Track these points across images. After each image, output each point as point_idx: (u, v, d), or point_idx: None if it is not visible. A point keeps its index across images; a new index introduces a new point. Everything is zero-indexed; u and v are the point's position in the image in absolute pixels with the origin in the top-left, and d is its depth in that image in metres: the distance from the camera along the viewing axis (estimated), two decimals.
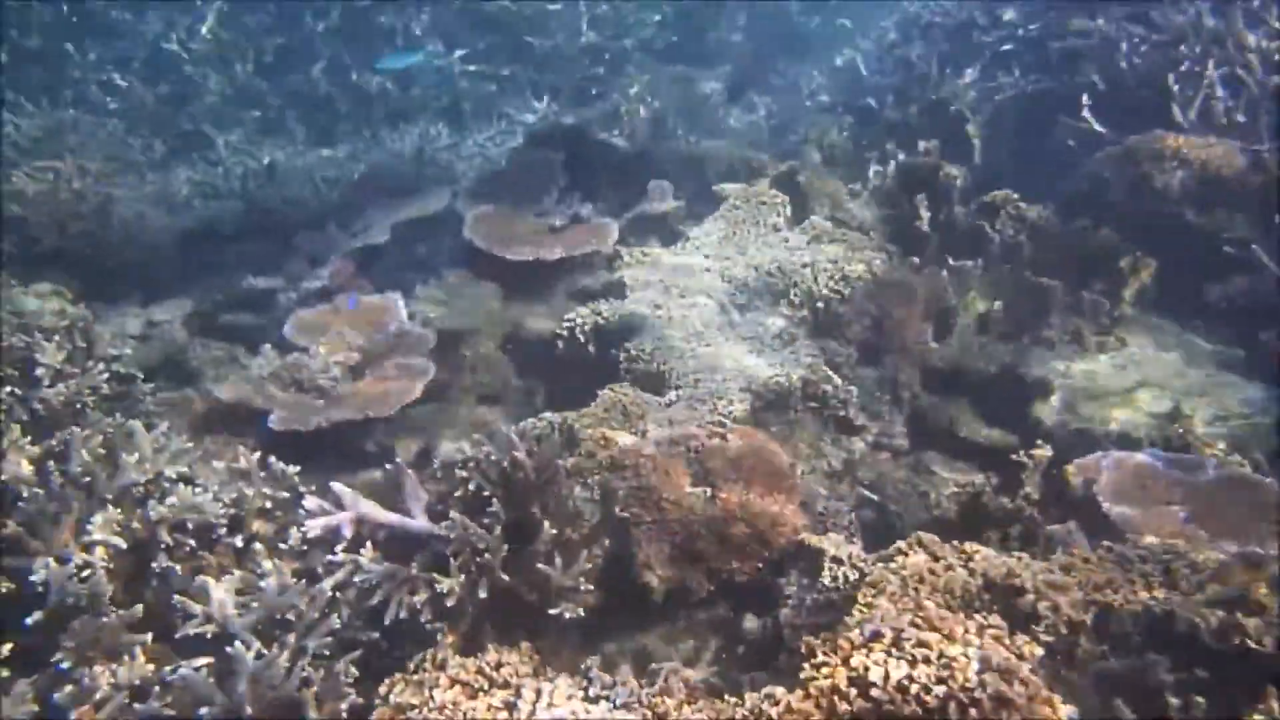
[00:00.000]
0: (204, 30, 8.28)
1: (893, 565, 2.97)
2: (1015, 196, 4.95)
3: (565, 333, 4.60)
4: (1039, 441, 3.48)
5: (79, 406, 3.64)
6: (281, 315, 4.98)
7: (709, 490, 3.58)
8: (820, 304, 4.69)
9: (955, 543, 3.02)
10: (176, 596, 2.92)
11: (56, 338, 3.80)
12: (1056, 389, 4.19)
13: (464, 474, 3.47)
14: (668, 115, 8.24)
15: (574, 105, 8.79)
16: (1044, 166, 5.98)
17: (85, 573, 2.91)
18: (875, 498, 4.05)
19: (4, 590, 2.85)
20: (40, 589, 2.80)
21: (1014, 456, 3.41)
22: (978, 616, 2.57)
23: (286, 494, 3.58)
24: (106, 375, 3.79)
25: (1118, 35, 5.77)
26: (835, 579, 3.12)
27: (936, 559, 2.95)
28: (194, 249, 5.90)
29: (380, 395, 4.10)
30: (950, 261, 4.80)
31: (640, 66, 9.08)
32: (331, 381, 4.28)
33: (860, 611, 2.77)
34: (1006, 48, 6.86)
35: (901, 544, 3.09)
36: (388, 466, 3.53)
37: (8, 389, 3.50)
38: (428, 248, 5.84)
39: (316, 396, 4.25)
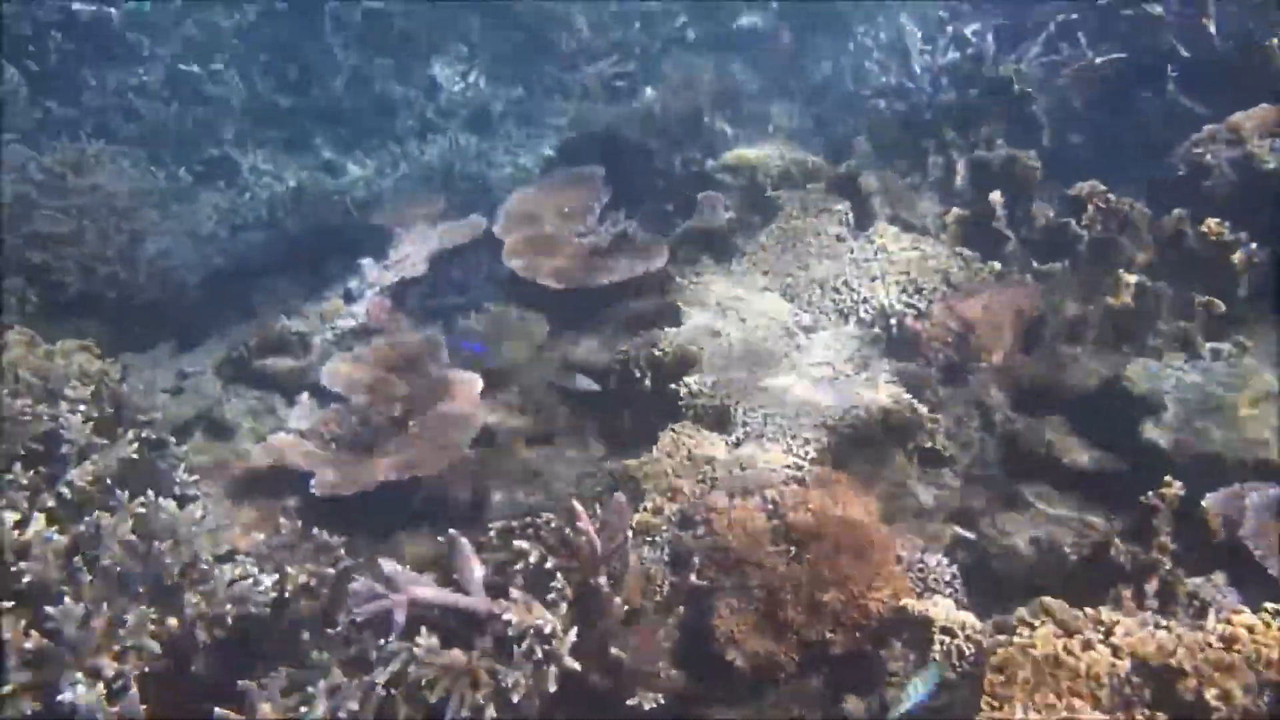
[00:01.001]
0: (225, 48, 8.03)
1: (1018, 640, 2.60)
2: (1103, 188, 4.51)
3: (618, 366, 4.26)
4: (1167, 479, 3.08)
5: (108, 482, 3.39)
6: (318, 359, 4.71)
7: (792, 548, 3.23)
8: (894, 320, 4.31)
9: (1088, 611, 2.64)
10: (217, 711, 2.65)
11: (83, 407, 3.55)
12: (1169, 404, 3.77)
13: (523, 545, 3.16)
14: (704, 110, 7.84)
15: (605, 104, 8.42)
16: (1125, 149, 5.50)
17: (118, 686, 2.64)
18: (972, 537, 3.67)
19: (30, 713, 2.59)
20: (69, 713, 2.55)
21: (1142, 499, 3.01)
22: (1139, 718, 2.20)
23: (332, 570, 3.30)
24: (136, 445, 3.54)
25: None
26: (948, 654, 2.76)
27: (1070, 632, 2.58)
28: (223, 286, 5.65)
29: (426, 450, 3.79)
30: (1035, 264, 4.37)
31: (672, 60, 8.67)
32: (373, 436, 3.99)
33: (990, 706, 2.41)
34: (1072, 16, 6.33)
35: (1024, 612, 2.73)
36: (440, 539, 3.23)
37: (31, 472, 3.25)
38: (465, 273, 5.54)
39: (359, 453, 3.96)
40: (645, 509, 3.53)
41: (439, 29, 8.51)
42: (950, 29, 7.13)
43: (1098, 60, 6.08)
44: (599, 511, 3.30)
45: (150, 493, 3.28)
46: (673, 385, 4.13)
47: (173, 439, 3.80)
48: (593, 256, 4.68)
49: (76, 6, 7.34)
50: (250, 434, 4.45)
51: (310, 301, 5.40)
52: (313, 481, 3.68)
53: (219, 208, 6.64)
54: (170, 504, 3.14)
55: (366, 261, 5.10)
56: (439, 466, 3.71)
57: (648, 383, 4.23)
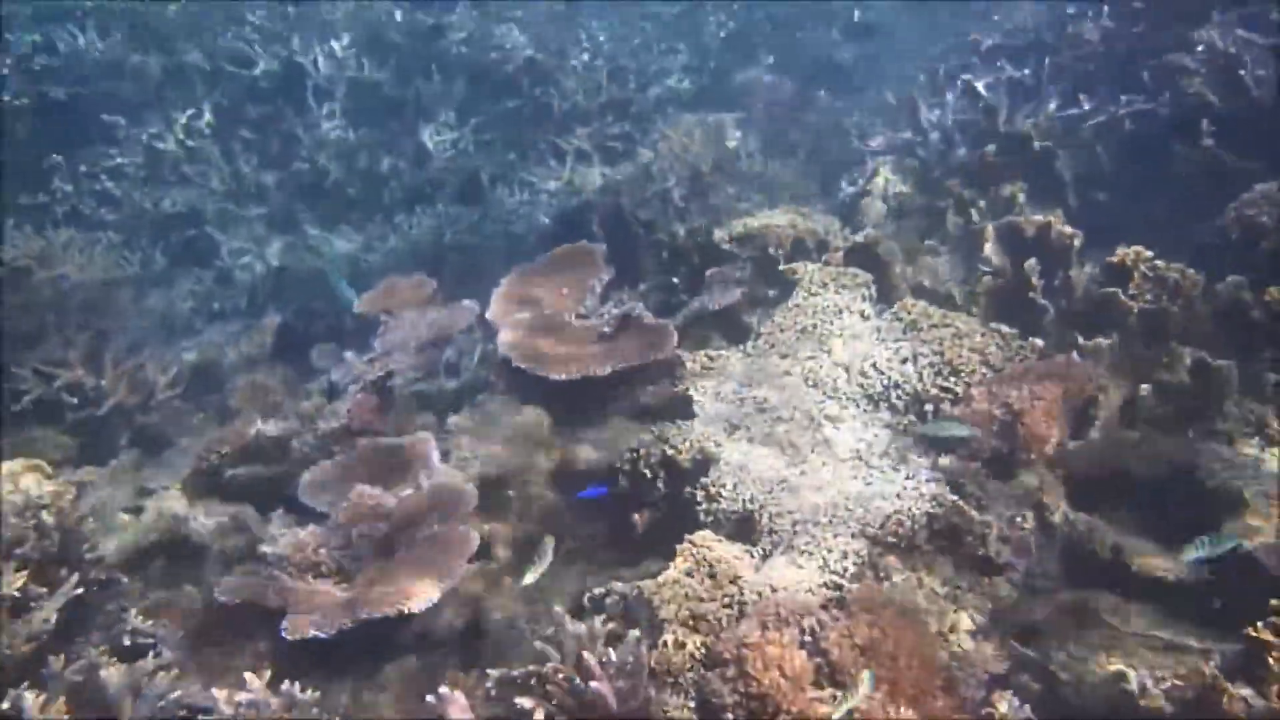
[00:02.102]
0: (203, 123, 7.73)
1: None
2: (1149, 254, 4.13)
3: (627, 466, 3.84)
4: (1275, 603, 2.64)
5: (44, 640, 2.95)
6: (296, 467, 4.29)
7: (838, 694, 2.79)
8: (929, 406, 3.90)
9: None
10: None
11: (20, 549, 3.13)
12: (1249, 499, 3.34)
13: (528, 703, 2.71)
14: (704, 171, 7.53)
15: (600, 166, 8.12)
16: (1157, 207, 5.14)
17: None
18: (1035, 656, 3.21)
19: None
20: None
21: (1251, 632, 2.57)
22: None
23: None
24: (81, 589, 3.11)
25: (1232, 45, 4.94)
26: None
27: None
28: (198, 384, 5.25)
29: (416, 580, 3.35)
30: (1080, 339, 3.98)
31: (668, 119, 8.41)
32: (356, 563, 3.56)
33: None
34: (1089, 67, 6.04)
35: None
36: (429, 699, 2.79)
37: None
38: (458, 354, 5.15)
39: (338, 584, 3.52)
40: (665, 644, 3.08)
41: (426, 96, 8.24)
42: (960, 83, 6.85)
43: (1121, 112, 5.77)
44: (613, 657, 2.86)
45: (92, 651, 2.85)
46: (689, 488, 3.72)
47: (123, 578, 3.37)
48: (596, 342, 4.29)
49: (48, 89, 7.05)
50: (220, 558, 4.01)
51: (289, 397, 5.00)
52: (284, 624, 3.23)
53: (195, 294, 6.25)
54: (110, 673, 2.70)
55: (350, 355, 4.71)
56: (430, 599, 3.26)
57: (661, 485, 3.81)
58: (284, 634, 3.23)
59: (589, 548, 3.92)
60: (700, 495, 3.65)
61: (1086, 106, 5.95)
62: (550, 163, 8.23)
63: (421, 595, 3.25)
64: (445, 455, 4.16)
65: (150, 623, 3.34)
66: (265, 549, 3.82)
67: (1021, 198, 5.64)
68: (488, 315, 4.56)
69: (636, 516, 3.85)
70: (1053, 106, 6.11)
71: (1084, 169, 5.78)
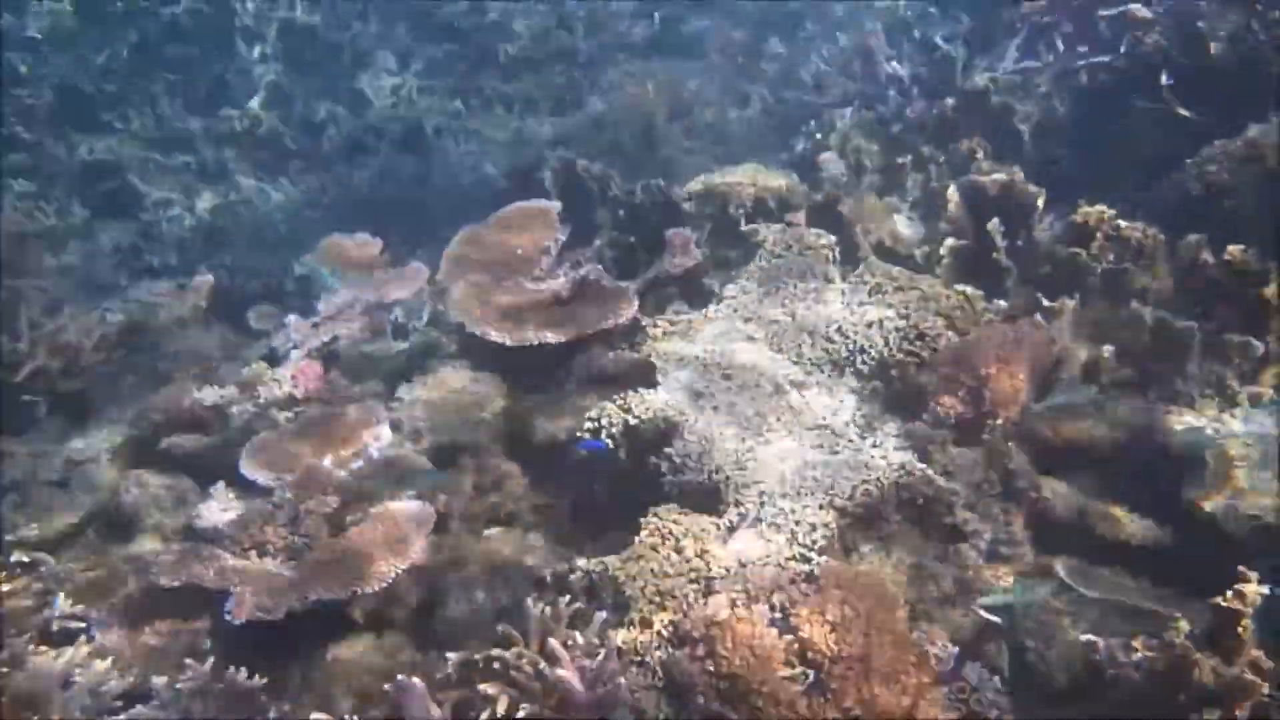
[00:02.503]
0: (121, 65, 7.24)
1: None
2: (1111, 212, 4.09)
3: (588, 436, 3.71)
4: (1243, 572, 2.64)
5: None
6: (238, 434, 4.07)
7: (810, 673, 2.74)
8: (895, 371, 3.84)
9: None
10: None
11: None
12: (1211, 461, 3.35)
13: (490, 689, 2.60)
14: (657, 122, 7.32)
15: (551, 116, 7.84)
16: (1115, 162, 5.11)
17: None
18: (999, 622, 3.20)
19: None
20: None
21: (1220, 602, 2.57)
22: None
23: None
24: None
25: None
26: None
27: None
28: (126, 346, 4.95)
29: (369, 557, 3.19)
30: (1043, 301, 3.94)
31: (619, 66, 8.14)
32: (305, 539, 3.38)
33: None
34: (1044, 19, 5.95)
35: None
36: (387, 688, 2.66)
37: None
38: (408, 315, 4.93)
39: (286, 562, 3.35)
40: (632, 622, 2.99)
41: (364, 40, 7.84)
42: (917, 33, 6.73)
43: (1079, 65, 5.71)
44: (579, 640, 2.76)
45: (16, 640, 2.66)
46: (653, 458, 3.61)
47: (49, 558, 3.15)
48: (553, 306, 4.12)
49: None
50: (155, 531, 3.80)
51: (228, 363, 4.74)
52: (228, 606, 3.06)
53: (120, 248, 5.88)
54: (37, 662, 2.51)
55: (293, 318, 4.46)
56: (385, 579, 3.11)
57: (623, 454, 3.70)
58: (227, 615, 3.06)
59: (550, 519, 3.81)
60: (665, 466, 3.54)
61: (1045, 59, 5.89)
62: (497, 110, 7.93)
63: (376, 575, 3.10)
64: (396, 425, 3.99)
65: (80, 606, 3.13)
66: (202, 524, 3.64)
67: (981, 154, 5.57)
68: (438, 277, 4.34)
69: (597, 487, 3.74)
70: (1009, 59, 6.03)
71: (1042, 122, 5.72)
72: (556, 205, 4.53)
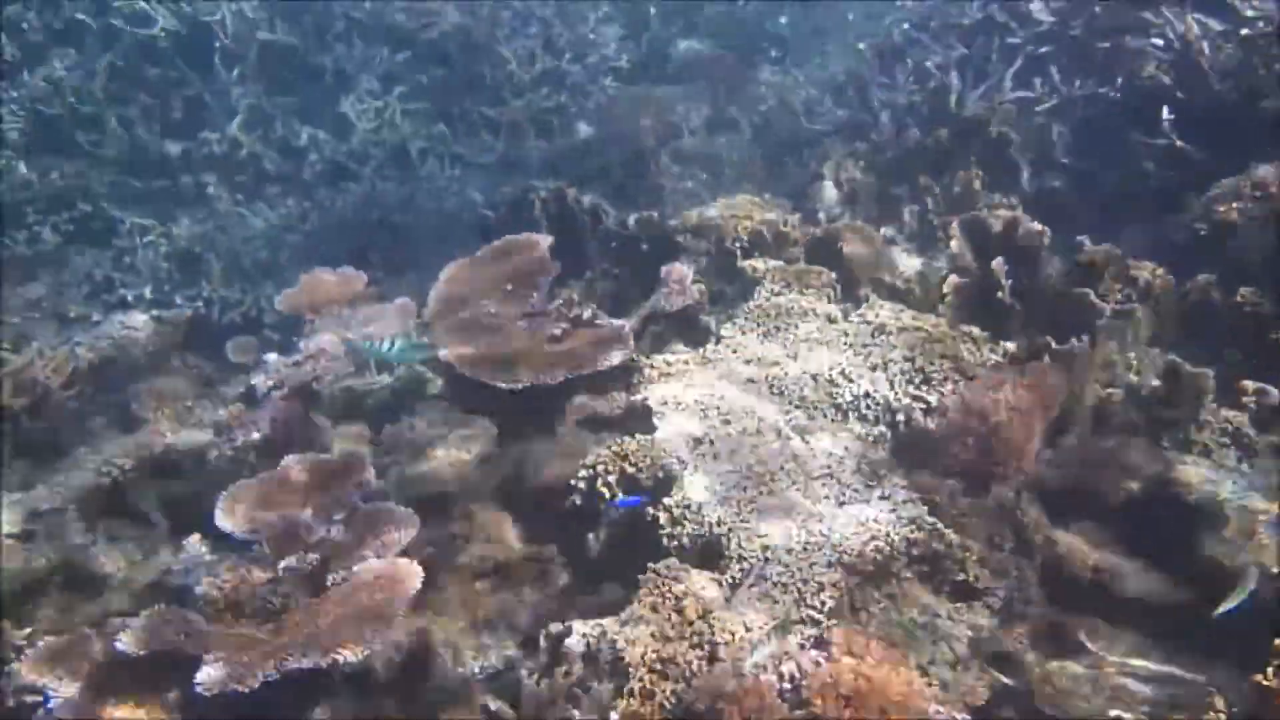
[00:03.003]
0: (96, 87, 7.03)
1: None
2: (1118, 252, 3.99)
3: (583, 484, 3.55)
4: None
5: None
6: (212, 484, 3.87)
7: None
8: (900, 417, 3.71)
9: None
10: None
11: None
12: (1230, 514, 3.24)
13: None
14: (648, 149, 7.20)
15: (536, 140, 7.70)
16: (1114, 197, 5.04)
17: None
18: (1013, 684, 3.07)
19: None
20: None
21: (1259, 680, 2.44)
22: None
23: None
24: None
25: (1192, 31, 4.83)
26: None
27: None
28: (96, 384, 4.74)
29: (351, 621, 3.01)
30: (1053, 344, 3.83)
31: (607, 92, 8.02)
32: (284, 599, 3.19)
33: None
34: (1043, 49, 5.89)
35: None
36: None
37: None
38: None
39: (262, 624, 3.16)
40: (633, 692, 2.82)
41: (346, 62, 7.67)
42: (910, 61, 6.65)
43: (1075, 96, 5.65)
44: (578, 715, 2.60)
45: None
46: (649, 510, 3.45)
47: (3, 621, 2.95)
48: (545, 346, 3.96)
49: None
50: (124, 586, 3.61)
51: (203, 401, 4.55)
52: (198, 678, 2.86)
53: (92, 280, 5.67)
54: None
55: (272, 356, 4.28)
56: (370, 646, 2.93)
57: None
58: (197, 687, 2.86)
59: (543, 573, 3.63)
60: (663, 518, 3.38)
61: (1040, 90, 5.82)
62: (483, 135, 7.78)
63: (355, 644, 2.91)
64: (382, 471, 3.81)
65: (40, 676, 2.93)
66: (174, 581, 3.44)
67: (978, 184, 5.49)
68: (425, 312, 4.17)
69: (592, 537, 3.58)
70: (1006, 88, 5.96)
71: (1038, 154, 5.65)
72: (548, 240, 4.37)
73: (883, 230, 5.46)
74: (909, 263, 5.17)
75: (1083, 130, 5.45)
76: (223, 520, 3.50)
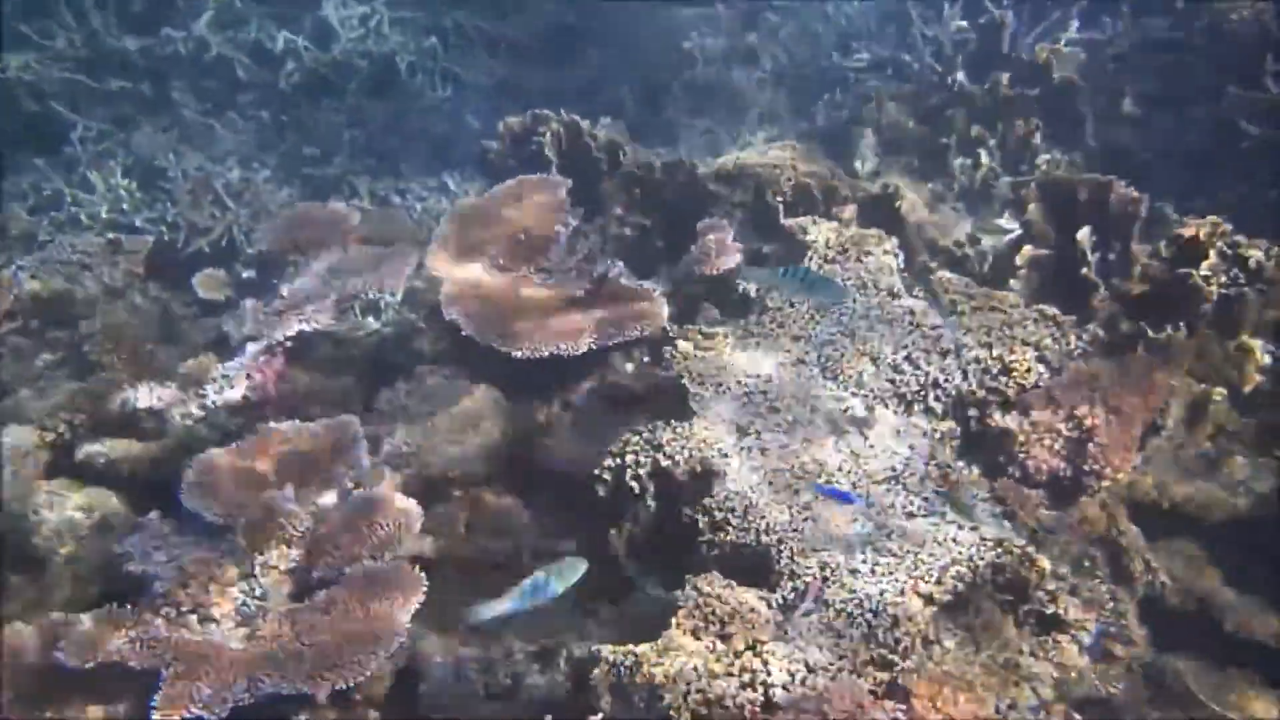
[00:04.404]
0: None
1: None
2: (1226, 227, 3.51)
3: (609, 476, 3.08)
4: None
5: None
6: (178, 448, 3.35)
7: None
8: (974, 411, 3.24)
9: None
10: None
11: None
12: None
13: None
14: (661, 80, 6.58)
15: (540, 63, 7.00)
16: (1195, 157, 4.53)
17: None
18: None
19: None
20: None
21: None
22: None
23: None
24: None
25: None
26: None
27: None
28: (44, 315, 4.16)
29: (340, 638, 2.53)
30: (1148, 332, 3.36)
31: (615, 9, 7.28)
32: (260, 603, 2.71)
33: None
34: None
35: None
36: None
37: None
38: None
39: (234, 630, 2.68)
40: None
41: None
42: None
43: (1152, 41, 5.09)
44: None
45: None
46: (686, 510, 2.98)
47: None
48: (565, 309, 3.43)
49: None
50: (68, 568, 3.10)
51: (167, 346, 3.99)
52: (156, 699, 2.39)
53: (38, 204, 4.99)
54: None
55: (249, 302, 3.69)
56: (362, 671, 2.46)
57: (650, 502, 3.07)
58: (154, 715, 2.39)
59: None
60: (703, 521, 2.92)
61: (1111, 31, 5.25)
62: (479, 54, 7.05)
63: (345, 670, 2.44)
64: (375, 443, 3.29)
65: None
66: (130, 568, 2.94)
67: (1038, 138, 4.97)
68: (426, 264, 3.61)
69: (614, 532, 3.12)
70: (1071, 28, 5.37)
71: (1104, 105, 5.12)
72: (566, 182, 3.80)
73: (929, 186, 4.96)
74: (960, 224, 4.67)
75: (1159, 78, 4.91)
76: (190, 499, 2.99)
